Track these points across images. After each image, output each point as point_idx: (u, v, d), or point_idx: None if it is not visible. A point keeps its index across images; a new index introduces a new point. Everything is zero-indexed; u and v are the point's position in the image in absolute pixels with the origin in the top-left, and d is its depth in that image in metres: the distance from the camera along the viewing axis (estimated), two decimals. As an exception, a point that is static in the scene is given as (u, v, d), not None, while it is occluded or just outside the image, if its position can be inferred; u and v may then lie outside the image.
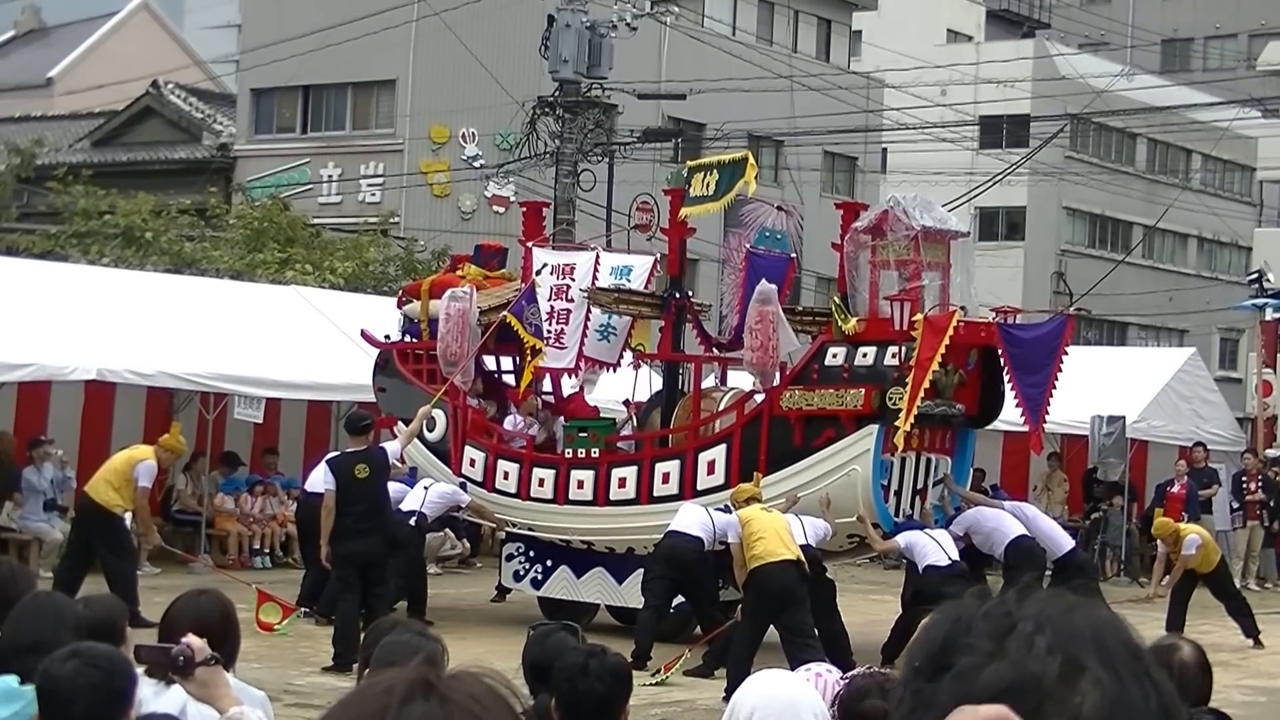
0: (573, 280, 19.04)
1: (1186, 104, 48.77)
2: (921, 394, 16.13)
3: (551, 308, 19.13)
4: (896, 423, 16.28)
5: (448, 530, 23.31)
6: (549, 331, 18.97)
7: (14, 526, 21.96)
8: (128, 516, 18.18)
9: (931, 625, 1.71)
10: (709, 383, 18.94)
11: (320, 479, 17.57)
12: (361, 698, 1.85)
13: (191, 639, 5.26)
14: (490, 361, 20.33)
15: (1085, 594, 1.62)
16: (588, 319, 19.19)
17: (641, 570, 17.16)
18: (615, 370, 19.71)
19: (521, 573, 18.98)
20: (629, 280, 19.21)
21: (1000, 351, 16.84)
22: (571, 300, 18.96)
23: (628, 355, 19.54)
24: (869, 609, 19.40)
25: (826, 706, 5.02)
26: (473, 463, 18.89)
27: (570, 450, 18.52)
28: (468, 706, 1.81)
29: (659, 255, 19.72)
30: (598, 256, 19.60)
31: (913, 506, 17.40)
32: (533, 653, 6.15)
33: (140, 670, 5.28)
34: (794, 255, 18.77)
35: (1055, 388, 17.42)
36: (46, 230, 35.25)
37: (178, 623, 5.78)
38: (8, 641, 5.62)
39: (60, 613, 5.74)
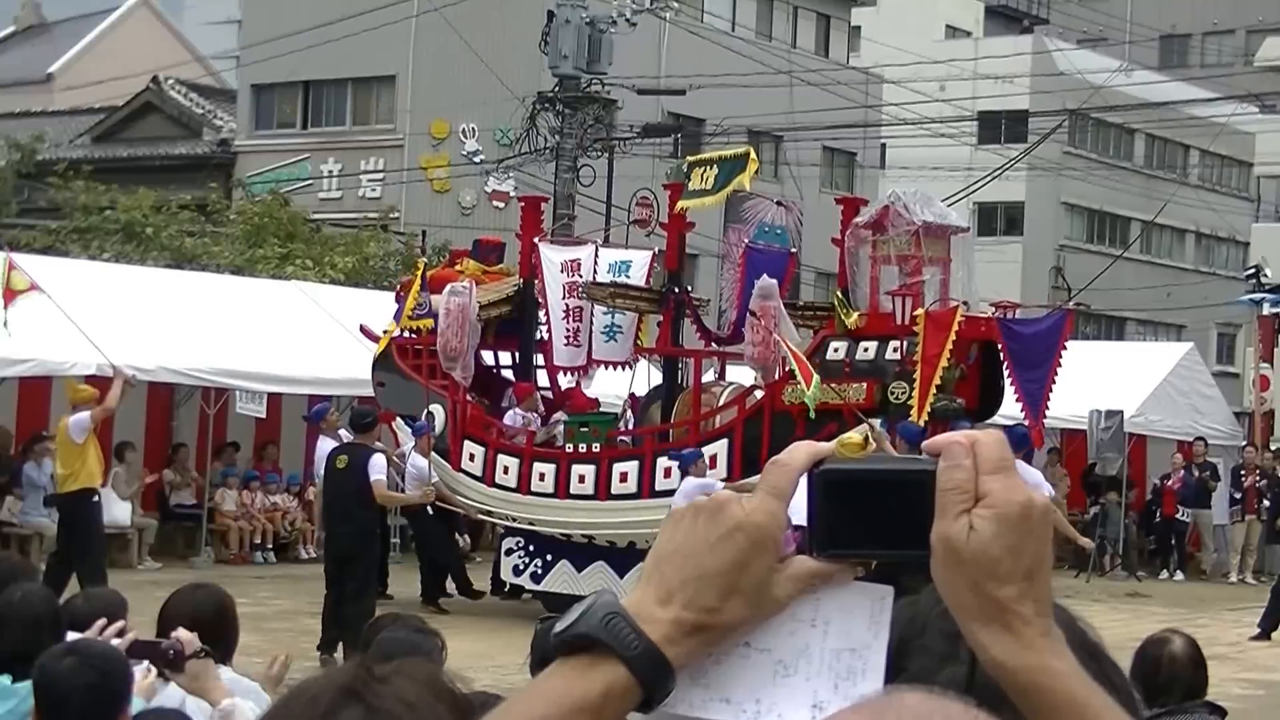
0: (581, 275, 19.10)
1: (1184, 99, 48.76)
2: (932, 390, 16.19)
3: (565, 306, 19.18)
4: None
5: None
6: (566, 330, 19.03)
7: (15, 521, 22.03)
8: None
9: None
10: (708, 377, 18.95)
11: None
12: (287, 709, 1.78)
13: (181, 633, 5.27)
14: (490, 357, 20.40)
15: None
16: (593, 317, 19.25)
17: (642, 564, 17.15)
18: (630, 368, 19.71)
19: (521, 567, 18.97)
20: (628, 276, 19.24)
21: (1000, 346, 16.87)
22: (582, 296, 19.05)
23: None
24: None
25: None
26: (472, 458, 18.92)
27: (571, 445, 18.54)
28: (396, 712, 1.74)
29: (657, 250, 19.73)
30: (596, 251, 19.64)
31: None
32: (544, 645, 6.16)
33: (148, 673, 5.31)
34: (794, 250, 18.78)
35: (1055, 383, 17.44)
36: (47, 226, 35.29)
37: (173, 617, 5.80)
38: None
39: (36, 614, 5.76)
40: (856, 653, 1.55)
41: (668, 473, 17.63)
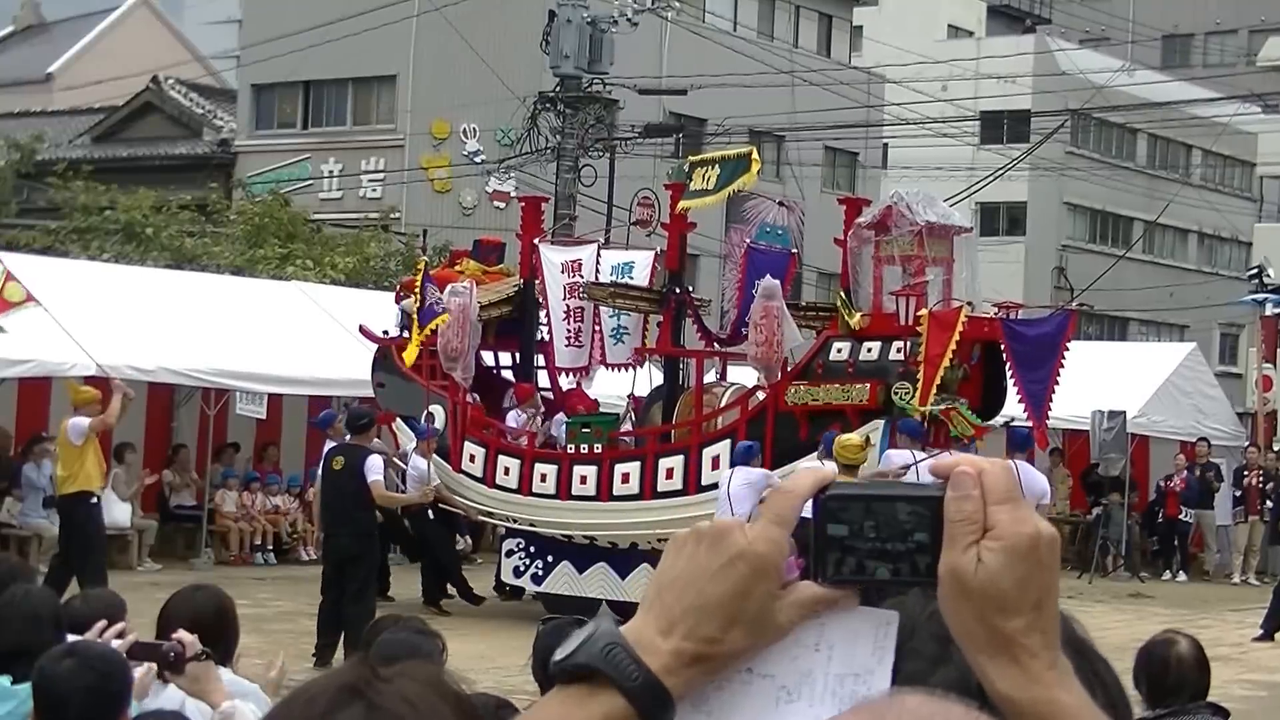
0: (582, 276, 19.07)
1: (1187, 99, 48.72)
2: (933, 390, 16.17)
3: (567, 306, 19.15)
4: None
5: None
6: (567, 331, 18.99)
7: (14, 523, 21.99)
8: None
9: None
10: (709, 378, 18.91)
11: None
12: (289, 709, 1.76)
13: (182, 634, 5.24)
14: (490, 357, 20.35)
15: None
16: (596, 318, 19.19)
17: (645, 565, 17.12)
18: (636, 369, 19.67)
19: (521, 569, 18.93)
20: (631, 277, 19.20)
21: (1003, 347, 16.84)
22: (583, 296, 19.03)
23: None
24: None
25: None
26: (472, 458, 18.87)
27: (573, 445, 18.49)
28: (399, 711, 1.72)
29: (659, 250, 19.70)
30: (598, 251, 19.60)
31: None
32: (545, 647, 6.11)
33: (143, 667, 5.27)
34: (795, 250, 18.75)
35: (1058, 383, 17.41)
36: (47, 226, 35.27)
37: (173, 619, 5.77)
38: None
39: (37, 613, 5.71)
40: (860, 678, 1.53)
41: (670, 474, 17.59)
